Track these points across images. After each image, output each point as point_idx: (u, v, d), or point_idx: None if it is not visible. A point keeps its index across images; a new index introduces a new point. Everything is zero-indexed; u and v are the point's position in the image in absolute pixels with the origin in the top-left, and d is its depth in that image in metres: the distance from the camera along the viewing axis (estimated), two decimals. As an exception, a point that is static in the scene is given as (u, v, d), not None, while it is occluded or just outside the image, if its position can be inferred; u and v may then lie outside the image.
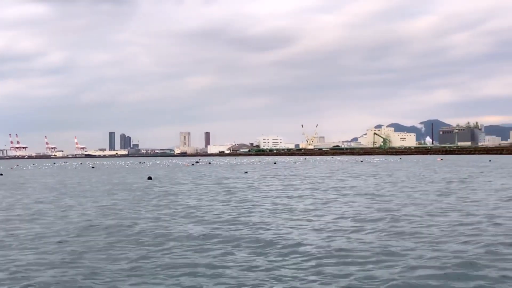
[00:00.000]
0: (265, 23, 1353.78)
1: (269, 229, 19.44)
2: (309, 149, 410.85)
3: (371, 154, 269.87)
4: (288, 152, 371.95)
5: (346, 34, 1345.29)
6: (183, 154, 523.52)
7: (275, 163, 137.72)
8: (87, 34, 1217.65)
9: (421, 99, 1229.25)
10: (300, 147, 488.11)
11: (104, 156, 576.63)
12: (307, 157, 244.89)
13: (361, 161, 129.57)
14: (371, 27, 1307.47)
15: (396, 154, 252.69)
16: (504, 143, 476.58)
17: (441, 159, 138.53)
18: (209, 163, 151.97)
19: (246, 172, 78.01)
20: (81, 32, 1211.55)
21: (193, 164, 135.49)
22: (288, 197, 33.24)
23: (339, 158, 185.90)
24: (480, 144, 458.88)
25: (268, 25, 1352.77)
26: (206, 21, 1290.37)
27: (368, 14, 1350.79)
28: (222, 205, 29.03)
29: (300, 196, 33.59)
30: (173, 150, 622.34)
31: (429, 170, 73.69)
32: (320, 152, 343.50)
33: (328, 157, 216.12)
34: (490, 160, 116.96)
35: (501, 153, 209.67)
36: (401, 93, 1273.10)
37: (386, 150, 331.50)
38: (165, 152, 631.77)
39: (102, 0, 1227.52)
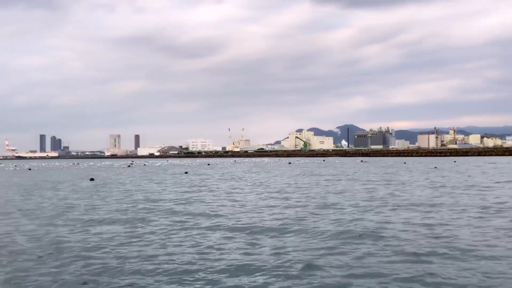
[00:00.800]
0: (194, 32, 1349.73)
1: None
2: (236, 151, 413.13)
3: (294, 156, 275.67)
4: (216, 154, 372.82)
5: (271, 44, 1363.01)
6: (114, 156, 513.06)
7: (208, 164, 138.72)
8: (20, 39, 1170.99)
9: (338, 105, 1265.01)
10: (227, 149, 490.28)
11: (35, 157, 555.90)
12: (236, 159, 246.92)
13: (290, 163, 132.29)
14: (294, 38, 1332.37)
15: (317, 156, 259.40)
16: (412, 146, 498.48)
17: (363, 161, 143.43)
18: (144, 164, 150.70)
19: (187, 172, 78.88)
20: (14, 37, 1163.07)
21: (129, 166, 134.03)
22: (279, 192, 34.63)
23: (266, 160, 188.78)
24: (390, 147, 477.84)
25: (197, 34, 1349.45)
26: (138, 29, 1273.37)
27: (292, 25, 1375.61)
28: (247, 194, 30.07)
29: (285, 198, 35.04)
30: (103, 152, 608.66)
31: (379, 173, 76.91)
32: (246, 154, 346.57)
33: (257, 159, 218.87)
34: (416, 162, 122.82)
35: (411, 156, 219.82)
36: (320, 99, 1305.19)
37: (307, 152, 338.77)
38: (95, 154, 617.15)
39: (36, 6, 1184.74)
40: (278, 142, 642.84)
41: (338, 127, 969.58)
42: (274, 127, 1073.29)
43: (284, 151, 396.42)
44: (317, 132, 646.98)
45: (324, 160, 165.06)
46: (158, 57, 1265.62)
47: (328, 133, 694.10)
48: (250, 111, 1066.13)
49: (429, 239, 16.28)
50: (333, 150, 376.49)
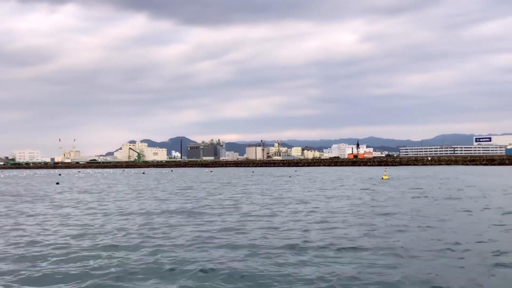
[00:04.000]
0: (24, 39, 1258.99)
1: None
2: (67, 162, 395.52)
3: (128, 167, 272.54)
4: (45, 166, 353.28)
5: (103, 55, 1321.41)
6: None
7: (59, 174, 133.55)
8: None
9: (171, 118, 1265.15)
10: (56, 160, 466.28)
11: None
12: (65, 170, 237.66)
13: (138, 173, 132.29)
14: (128, 50, 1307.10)
15: (151, 167, 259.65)
16: (241, 158, 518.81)
17: (210, 171, 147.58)
18: None
19: (58, 183, 76.60)
20: None
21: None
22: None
23: (99, 171, 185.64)
24: (221, 158, 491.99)
25: (27, 41, 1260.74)
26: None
27: (125, 38, 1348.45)
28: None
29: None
30: None
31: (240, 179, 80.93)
32: (77, 165, 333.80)
33: (89, 170, 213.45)
34: (253, 171, 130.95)
35: (247, 166, 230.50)
36: (153, 112, 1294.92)
37: (141, 163, 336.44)
38: None
39: None
40: (110, 153, 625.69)
41: (170, 139, 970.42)
42: (107, 138, 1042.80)
43: (117, 162, 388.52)
44: (151, 143, 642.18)
45: (172, 171, 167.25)
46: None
47: (161, 145, 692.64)
48: (82, 122, 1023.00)
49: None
50: (166, 161, 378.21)
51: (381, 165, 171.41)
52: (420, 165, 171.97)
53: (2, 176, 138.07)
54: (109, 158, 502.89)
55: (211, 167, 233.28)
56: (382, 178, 68.81)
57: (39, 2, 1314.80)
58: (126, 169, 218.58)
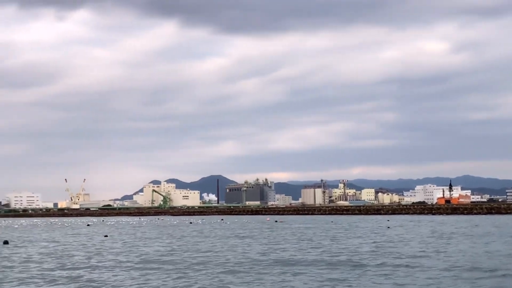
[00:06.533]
0: (24, 55, 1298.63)
1: None
2: (74, 209, 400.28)
3: (154, 214, 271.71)
4: (47, 213, 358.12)
5: (121, 73, 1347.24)
6: None
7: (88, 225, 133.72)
8: None
9: (204, 151, 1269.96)
10: (60, 206, 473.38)
11: None
12: (78, 218, 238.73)
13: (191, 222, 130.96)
14: (152, 66, 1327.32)
15: (182, 214, 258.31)
16: (295, 202, 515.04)
17: (276, 221, 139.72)
18: None
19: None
20: None
21: None
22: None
23: (125, 219, 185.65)
24: (270, 203, 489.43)
25: (27, 57, 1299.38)
26: None
27: (149, 51, 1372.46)
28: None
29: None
30: None
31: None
32: (89, 212, 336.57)
33: (114, 219, 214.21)
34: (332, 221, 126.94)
35: (312, 214, 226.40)
36: (181, 144, 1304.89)
37: (167, 209, 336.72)
38: None
39: None
40: (128, 197, 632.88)
41: (202, 178, 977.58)
42: (124, 178, 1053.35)
43: (137, 208, 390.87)
44: (179, 184, 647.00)
45: (222, 220, 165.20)
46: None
47: (192, 186, 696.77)
48: (93, 157, 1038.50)
49: None
50: (199, 207, 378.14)
51: (491, 213, 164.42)
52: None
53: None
54: (126, 203, 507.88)
55: (258, 214, 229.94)
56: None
57: (45, 7, 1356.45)
58: (150, 217, 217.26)
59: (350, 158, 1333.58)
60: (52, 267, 38.67)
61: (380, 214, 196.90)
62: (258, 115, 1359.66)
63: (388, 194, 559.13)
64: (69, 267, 38.47)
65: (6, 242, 66.77)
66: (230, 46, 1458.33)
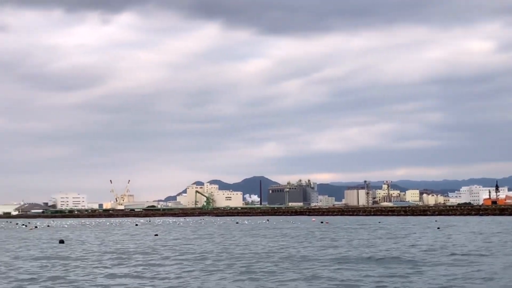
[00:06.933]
0: (68, 58, 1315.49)
1: None
2: (119, 209, 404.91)
3: (197, 215, 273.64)
4: (93, 214, 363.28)
5: (165, 75, 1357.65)
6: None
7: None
8: None
9: (246, 152, 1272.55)
10: (105, 207, 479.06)
11: None
12: (122, 219, 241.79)
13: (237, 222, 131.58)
14: (195, 68, 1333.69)
15: (225, 215, 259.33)
16: (337, 203, 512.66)
17: (321, 222, 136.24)
18: (36, 227, 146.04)
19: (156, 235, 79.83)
20: None
21: (36, 227, 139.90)
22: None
23: (171, 220, 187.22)
24: (312, 204, 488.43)
25: (73, 60, 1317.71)
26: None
27: (192, 53, 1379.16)
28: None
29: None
30: None
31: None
32: (134, 213, 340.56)
33: (160, 219, 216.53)
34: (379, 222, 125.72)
35: (357, 215, 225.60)
36: (224, 145, 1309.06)
37: (210, 210, 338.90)
38: None
39: None
40: (171, 198, 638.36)
41: (244, 180, 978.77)
42: (167, 179, 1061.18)
43: (181, 209, 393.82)
44: (221, 185, 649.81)
45: (268, 221, 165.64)
46: (19, 89, 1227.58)
47: (234, 187, 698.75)
48: (136, 159, 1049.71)
49: None
50: (241, 208, 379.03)
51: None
52: None
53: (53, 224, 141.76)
54: (170, 204, 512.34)
55: (302, 215, 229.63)
56: None
57: (91, 11, 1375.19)
58: (194, 218, 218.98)
59: (393, 159, 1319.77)
60: (116, 263, 39.08)
61: (426, 215, 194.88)
62: (301, 116, 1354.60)
63: (433, 195, 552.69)
64: (139, 263, 39.25)
65: (61, 241, 68.10)
66: (273, 47, 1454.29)
